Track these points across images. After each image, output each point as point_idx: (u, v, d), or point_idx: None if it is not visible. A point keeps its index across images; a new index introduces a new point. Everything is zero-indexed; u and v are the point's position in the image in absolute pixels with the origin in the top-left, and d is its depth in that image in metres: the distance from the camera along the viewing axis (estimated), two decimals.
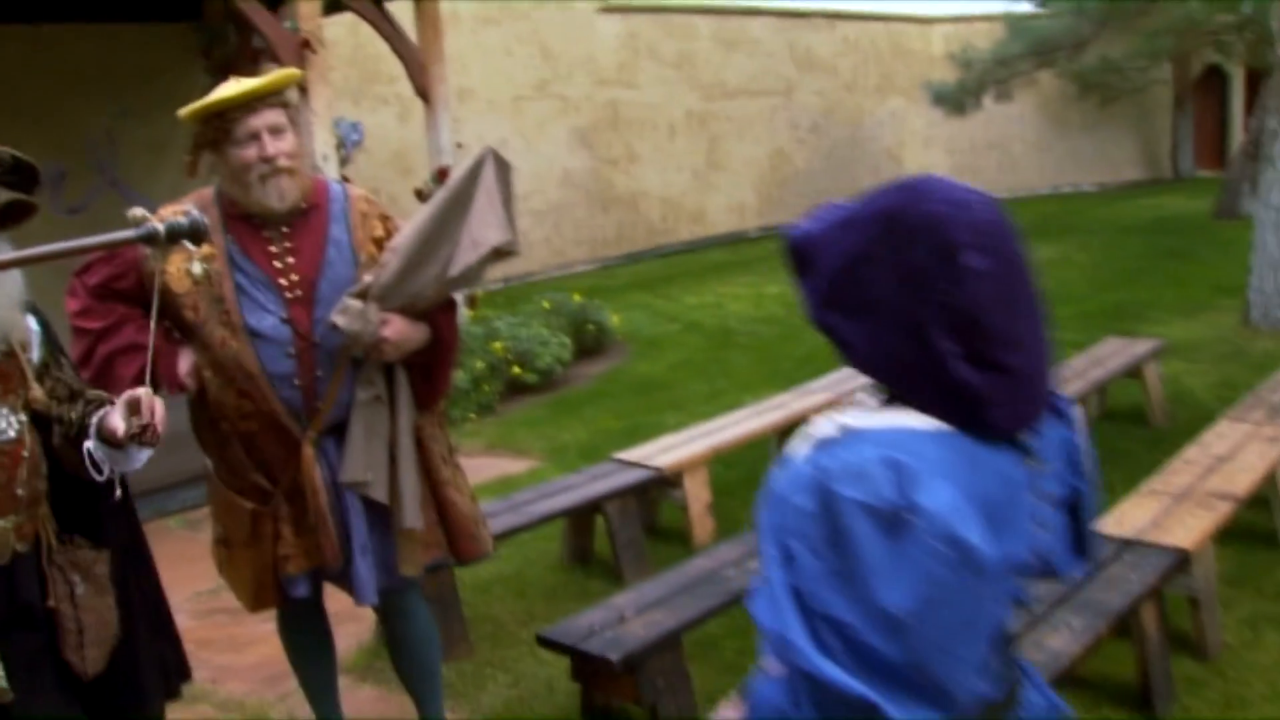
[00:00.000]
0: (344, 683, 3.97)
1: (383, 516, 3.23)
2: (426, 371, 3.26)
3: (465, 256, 3.02)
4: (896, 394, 1.58)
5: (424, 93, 8.51)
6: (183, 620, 3.08)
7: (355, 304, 3.04)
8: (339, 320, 3.04)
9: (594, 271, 14.66)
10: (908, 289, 1.51)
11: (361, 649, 4.52)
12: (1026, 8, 18.23)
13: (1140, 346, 6.94)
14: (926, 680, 1.45)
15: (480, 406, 8.09)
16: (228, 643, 4.78)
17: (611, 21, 15.33)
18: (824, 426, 1.59)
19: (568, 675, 3.98)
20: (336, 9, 8.11)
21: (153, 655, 2.90)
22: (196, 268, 3.03)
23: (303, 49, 7.30)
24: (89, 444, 2.60)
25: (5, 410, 2.54)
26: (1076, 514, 1.76)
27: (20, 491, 2.55)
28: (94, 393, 2.75)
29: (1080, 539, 1.77)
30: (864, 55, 19.25)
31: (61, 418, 2.65)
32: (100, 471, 2.61)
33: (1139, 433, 6.66)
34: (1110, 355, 6.76)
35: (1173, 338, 8.34)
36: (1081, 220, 15.79)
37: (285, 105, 3.05)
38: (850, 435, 1.54)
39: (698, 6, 16.69)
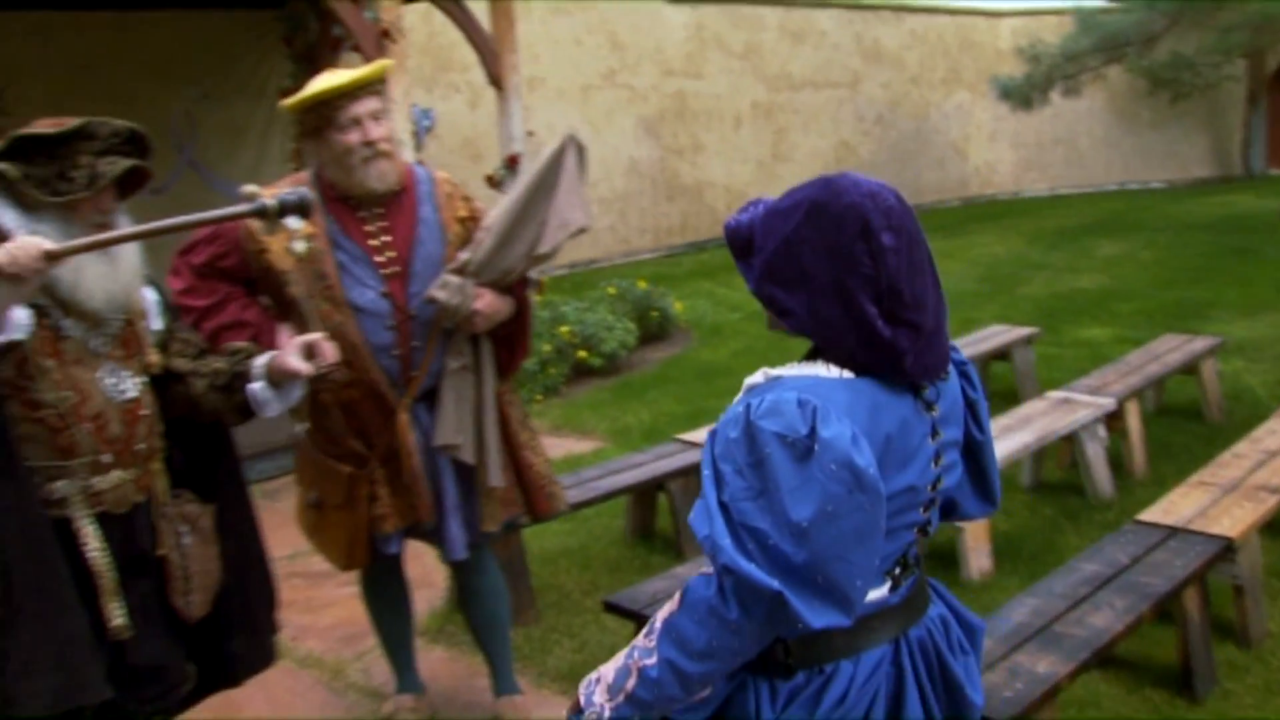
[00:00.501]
0: (417, 644, 4.19)
1: (468, 477, 3.47)
2: (509, 341, 3.52)
3: (553, 235, 3.27)
4: (822, 349, 1.93)
5: (497, 81, 8.69)
6: None
7: (454, 279, 3.28)
8: (439, 294, 3.27)
9: (658, 259, 14.83)
10: (836, 264, 1.84)
11: (434, 613, 4.75)
12: (1097, 1, 18.12)
13: (1198, 343, 6.99)
14: (826, 581, 1.76)
15: (546, 388, 8.31)
16: (305, 605, 5.03)
17: (680, 12, 15.47)
18: (755, 376, 1.93)
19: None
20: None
21: (264, 598, 3.16)
22: (299, 246, 3.25)
23: (382, 38, 7.52)
24: (256, 385, 2.88)
25: (126, 373, 2.78)
26: (981, 465, 2.12)
27: (139, 447, 2.80)
28: (236, 345, 3.01)
29: (985, 485, 2.16)
30: (931, 48, 19.23)
31: (200, 370, 2.92)
32: (261, 411, 2.91)
33: (1194, 428, 6.73)
34: (1168, 351, 6.83)
35: (1234, 336, 8.37)
36: (1148, 217, 15.70)
37: (380, 93, 3.28)
38: (773, 381, 1.89)
39: None
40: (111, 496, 2.75)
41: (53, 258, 2.44)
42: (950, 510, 2.14)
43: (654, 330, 9.96)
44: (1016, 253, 13.71)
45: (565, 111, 14.02)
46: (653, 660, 1.88)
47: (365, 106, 3.21)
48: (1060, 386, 6.25)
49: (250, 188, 2.74)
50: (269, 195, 2.66)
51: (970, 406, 2.09)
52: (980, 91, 19.60)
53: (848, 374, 1.87)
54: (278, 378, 2.91)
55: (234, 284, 3.36)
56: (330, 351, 2.89)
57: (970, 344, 7.40)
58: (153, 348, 2.88)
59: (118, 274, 2.71)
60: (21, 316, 2.49)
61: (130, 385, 2.78)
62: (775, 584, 1.73)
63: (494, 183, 8.99)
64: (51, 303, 2.63)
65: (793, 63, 17.01)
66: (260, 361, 2.93)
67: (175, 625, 2.94)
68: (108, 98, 9.79)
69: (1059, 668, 3.21)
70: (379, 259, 3.32)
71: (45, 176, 2.58)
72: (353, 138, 3.21)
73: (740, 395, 1.92)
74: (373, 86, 3.25)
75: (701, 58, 15.76)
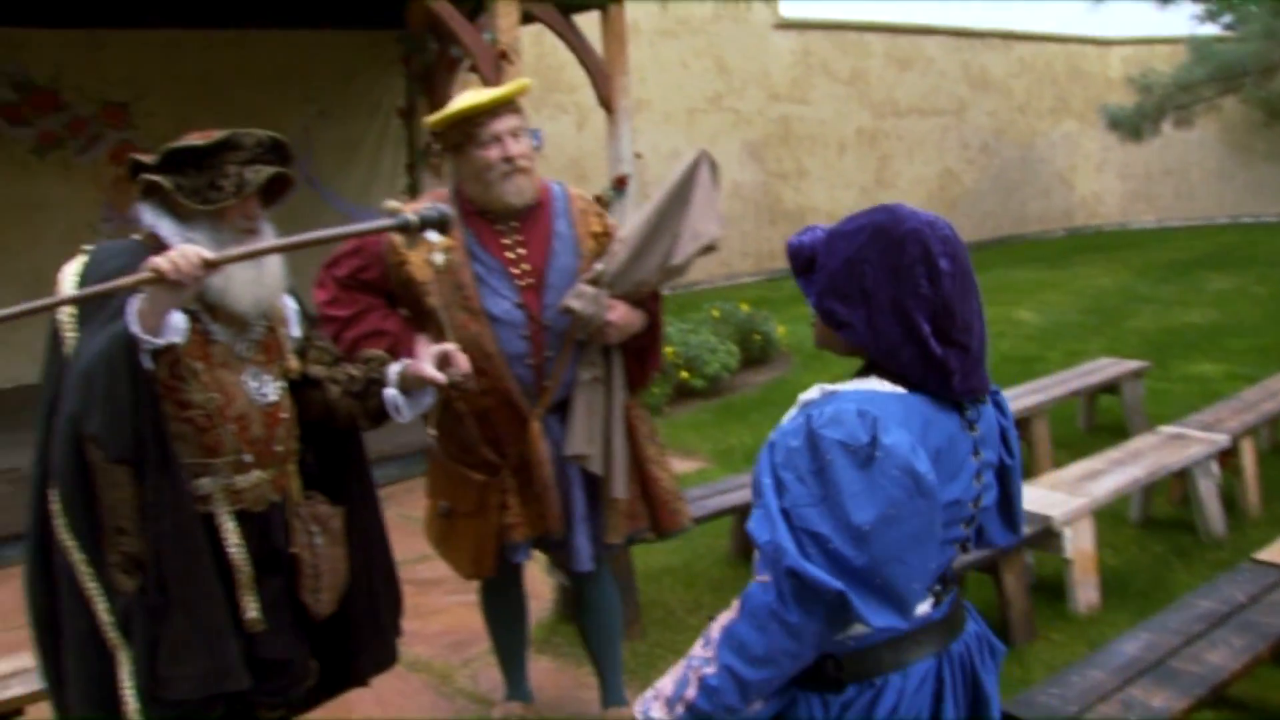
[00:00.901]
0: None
1: (596, 489, 3.53)
2: (640, 354, 3.58)
3: (686, 247, 3.33)
4: (877, 365, 2.03)
5: (607, 103, 8.79)
6: None
7: (589, 289, 3.36)
8: (574, 304, 3.35)
9: (759, 283, 14.85)
10: (896, 283, 1.96)
11: (540, 624, 4.82)
12: (1212, 30, 17.74)
13: None
14: (884, 583, 1.86)
15: (649, 408, 8.35)
16: (414, 611, 5.08)
17: (786, 37, 15.53)
18: (810, 392, 2.03)
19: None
20: (527, 21, 8.48)
21: (390, 600, 3.27)
22: (438, 258, 3.36)
23: (500, 59, 7.66)
24: (390, 391, 3.00)
25: (268, 377, 2.90)
26: (1008, 492, 2.23)
27: (278, 448, 2.92)
28: (370, 353, 3.13)
29: (1010, 513, 2.25)
30: (1039, 76, 19.05)
31: (335, 377, 3.04)
32: (395, 417, 3.02)
33: None
34: None
35: None
36: (1261, 252, 15.33)
37: (520, 111, 3.38)
38: (830, 395, 1.99)
39: (872, 24, 16.77)
40: (251, 495, 2.87)
41: (210, 265, 2.56)
42: (977, 536, 2.22)
43: (756, 354, 9.95)
44: (1123, 285, 13.50)
45: (670, 134, 14.14)
46: (712, 669, 1.94)
47: (505, 124, 3.32)
48: (1171, 422, 6.16)
49: (393, 203, 2.85)
50: (410, 210, 2.76)
51: (1004, 434, 2.19)
52: (1088, 121, 19.33)
53: (900, 389, 1.98)
54: (410, 384, 3.02)
55: (375, 295, 3.48)
56: (463, 362, 2.97)
57: (1078, 376, 7.32)
58: (291, 354, 3.00)
59: (263, 280, 2.83)
60: (179, 320, 2.62)
61: (271, 389, 2.91)
62: (838, 584, 1.82)
63: (602, 203, 9.11)
64: (201, 307, 2.76)
65: (898, 89, 16.97)
66: (394, 369, 3.04)
67: (302, 622, 3.05)
68: (229, 113, 10.08)
69: (1174, 703, 3.18)
70: (514, 270, 3.41)
71: (196, 186, 2.71)
72: (493, 154, 3.32)
73: (796, 409, 2.02)
74: (513, 104, 3.36)
75: (807, 83, 15.79)
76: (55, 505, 2.69)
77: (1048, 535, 4.72)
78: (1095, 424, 7.57)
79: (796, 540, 1.86)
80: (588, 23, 8.98)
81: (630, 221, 3.46)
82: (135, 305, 2.55)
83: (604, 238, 3.53)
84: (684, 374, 8.78)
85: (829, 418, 1.88)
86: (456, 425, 3.49)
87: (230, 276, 2.74)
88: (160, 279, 2.49)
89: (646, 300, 3.49)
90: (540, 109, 12.98)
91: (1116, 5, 18.11)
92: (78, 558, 2.68)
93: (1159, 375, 8.64)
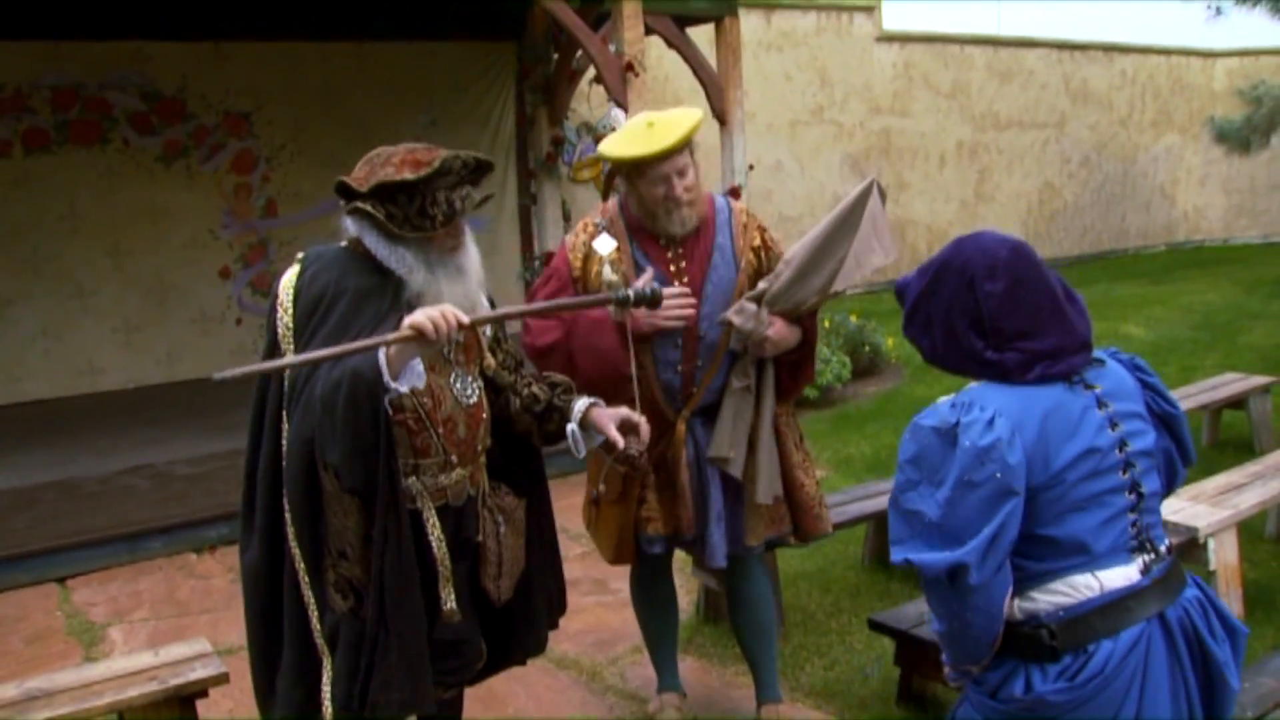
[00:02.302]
0: None
1: (736, 491, 3.66)
2: (793, 368, 3.70)
3: (850, 274, 3.44)
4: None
5: (721, 115, 8.86)
6: None
7: (751, 306, 3.51)
8: (736, 319, 3.50)
9: (860, 295, 14.78)
10: (949, 310, 2.34)
11: (683, 625, 4.88)
12: None
13: None
14: (952, 531, 2.20)
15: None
16: None
17: (889, 50, 15.50)
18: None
19: (878, 661, 4.27)
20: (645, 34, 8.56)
21: (545, 590, 3.36)
22: (608, 271, 3.55)
23: (626, 71, 7.76)
24: (572, 427, 3.11)
25: (469, 377, 3.01)
26: (1178, 437, 2.50)
27: (479, 446, 3.03)
28: (557, 378, 3.24)
29: (1184, 450, 2.53)
30: (1141, 89, 18.81)
31: (517, 388, 3.16)
32: (577, 449, 3.12)
33: None
34: None
35: None
36: None
37: (687, 147, 3.48)
38: (948, 398, 2.33)
39: (974, 37, 16.69)
40: (453, 490, 2.97)
41: (464, 328, 2.67)
42: (1171, 479, 2.51)
43: (865, 365, 9.99)
44: (1232, 301, 13.29)
45: (773, 145, 14.19)
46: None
47: (673, 165, 3.44)
48: None
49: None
50: (630, 289, 3.00)
51: (1152, 388, 2.46)
52: (1191, 134, 19.07)
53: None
54: (589, 425, 3.12)
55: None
56: (645, 435, 3.08)
57: (1202, 391, 7.27)
58: (487, 350, 3.11)
59: (469, 290, 2.91)
60: (419, 366, 2.71)
61: (473, 390, 3.01)
62: (900, 555, 2.26)
63: None
64: None
65: (999, 102, 16.86)
66: (580, 405, 3.13)
67: (479, 606, 3.15)
68: (346, 122, 10.44)
69: None
70: (675, 282, 3.55)
71: (407, 214, 2.79)
72: (659, 191, 3.47)
73: None
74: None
75: (909, 96, 15.75)
76: (288, 514, 2.83)
77: (1191, 547, 4.69)
78: (1219, 439, 7.48)
79: (905, 520, 2.27)
80: (699, 36, 9.07)
81: (797, 243, 3.56)
82: (384, 352, 2.63)
83: (763, 251, 3.67)
84: None
85: (929, 410, 2.28)
86: None
87: (442, 293, 2.82)
88: (420, 337, 2.60)
89: (803, 317, 3.61)
90: None
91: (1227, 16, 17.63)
92: (300, 568, 2.83)
93: None
